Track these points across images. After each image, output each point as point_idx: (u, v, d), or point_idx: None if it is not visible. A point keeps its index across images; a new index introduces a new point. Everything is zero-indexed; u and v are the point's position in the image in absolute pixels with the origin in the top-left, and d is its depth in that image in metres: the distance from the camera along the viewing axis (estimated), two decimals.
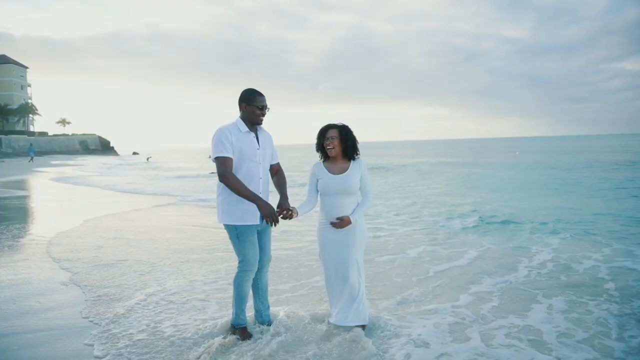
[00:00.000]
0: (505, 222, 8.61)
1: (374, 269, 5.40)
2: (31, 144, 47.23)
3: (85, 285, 4.86)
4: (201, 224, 8.72)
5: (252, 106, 3.25)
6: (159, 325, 3.73)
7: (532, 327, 3.66)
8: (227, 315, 3.73)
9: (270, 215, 3.09)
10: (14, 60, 75.73)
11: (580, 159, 31.63)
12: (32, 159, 40.71)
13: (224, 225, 3.30)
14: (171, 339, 3.42)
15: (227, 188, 3.17)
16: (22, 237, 7.50)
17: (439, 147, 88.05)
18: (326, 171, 3.43)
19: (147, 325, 3.71)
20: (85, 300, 4.38)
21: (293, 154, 57.16)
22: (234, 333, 3.40)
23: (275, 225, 3.14)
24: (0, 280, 5.04)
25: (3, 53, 76.16)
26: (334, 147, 3.35)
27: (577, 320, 3.78)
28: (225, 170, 3.11)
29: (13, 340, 3.50)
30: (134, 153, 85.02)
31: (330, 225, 3.40)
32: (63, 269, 5.53)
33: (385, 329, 3.53)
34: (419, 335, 3.43)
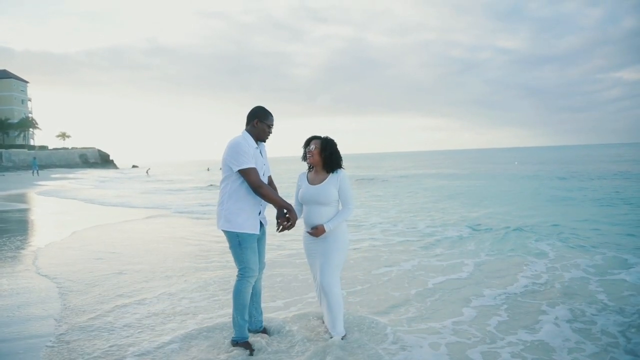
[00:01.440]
0: (500, 232, 8.52)
1: (370, 282, 5.30)
2: (34, 158, 47.10)
3: (63, 298, 4.79)
4: (195, 237, 8.60)
5: (263, 123, 3.38)
6: (120, 351, 3.46)
7: (540, 342, 3.54)
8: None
9: (294, 224, 3.35)
10: (14, 75, 76.18)
11: (578, 169, 31.62)
12: (36, 173, 40.39)
13: (226, 232, 3.34)
14: None
15: (233, 197, 3.29)
16: (18, 248, 7.33)
17: (437, 158, 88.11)
18: (306, 181, 3.60)
19: (107, 352, 3.46)
20: (54, 319, 4.23)
21: (292, 166, 57.10)
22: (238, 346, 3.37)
23: (290, 229, 3.38)
24: (3, 289, 5.12)
25: (4, 68, 76.68)
26: (312, 155, 3.49)
27: (583, 332, 3.71)
28: (259, 180, 3.26)
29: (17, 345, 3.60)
30: (134, 166, 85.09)
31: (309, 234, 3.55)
32: (50, 279, 5.47)
33: (379, 351, 3.33)
34: (418, 359, 3.24)
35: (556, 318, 4.03)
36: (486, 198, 15.43)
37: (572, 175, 24.82)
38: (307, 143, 3.55)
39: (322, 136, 3.55)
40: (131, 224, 10.72)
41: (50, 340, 3.68)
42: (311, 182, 3.55)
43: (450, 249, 7.12)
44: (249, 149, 3.27)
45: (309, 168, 3.65)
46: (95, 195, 19.77)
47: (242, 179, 3.27)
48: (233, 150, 3.25)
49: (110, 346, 3.55)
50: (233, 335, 3.42)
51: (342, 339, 3.42)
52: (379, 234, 8.57)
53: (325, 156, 3.47)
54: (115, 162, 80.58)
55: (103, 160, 76.51)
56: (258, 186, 3.24)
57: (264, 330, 3.65)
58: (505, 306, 4.39)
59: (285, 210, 3.36)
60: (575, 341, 3.54)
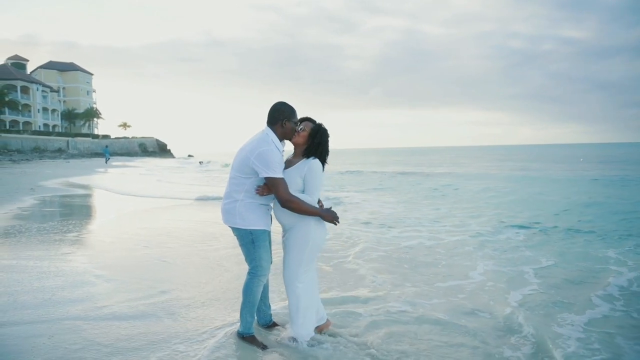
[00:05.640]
0: (557, 234, 7.86)
1: (444, 297, 4.55)
2: (106, 146, 49.25)
3: (97, 283, 4.73)
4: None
5: (291, 122, 3.20)
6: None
7: None
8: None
9: (335, 217, 3.19)
10: (80, 68, 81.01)
11: None
12: (108, 160, 42.08)
13: (237, 229, 3.24)
14: None
15: (250, 194, 3.16)
16: (65, 232, 7.50)
17: (492, 154, 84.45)
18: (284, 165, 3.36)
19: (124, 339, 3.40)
20: (85, 303, 4.20)
21: (340, 159, 56.66)
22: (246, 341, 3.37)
23: (337, 223, 3.22)
24: (46, 271, 5.17)
25: (71, 61, 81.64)
26: (299, 136, 3.22)
27: None
28: (289, 193, 3.05)
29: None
30: (189, 155, 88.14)
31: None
32: (88, 264, 5.48)
33: None
34: None
35: None
36: (542, 198, 14.36)
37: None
38: (299, 122, 3.27)
39: (318, 122, 3.28)
40: (178, 211, 10.84)
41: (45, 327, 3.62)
42: (286, 166, 3.27)
43: (509, 253, 6.47)
44: (278, 156, 3.10)
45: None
46: (148, 183, 20.44)
47: (262, 178, 3.11)
48: (262, 158, 3.04)
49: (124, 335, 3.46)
50: (239, 329, 3.41)
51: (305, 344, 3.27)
52: (425, 232, 8.14)
53: (311, 143, 3.21)
54: (172, 151, 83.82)
55: (161, 150, 79.82)
56: (287, 200, 3.04)
57: (274, 324, 3.61)
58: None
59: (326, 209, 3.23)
60: None
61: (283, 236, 3.38)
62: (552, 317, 4.03)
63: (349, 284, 4.94)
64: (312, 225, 3.22)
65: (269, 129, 3.19)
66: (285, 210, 3.16)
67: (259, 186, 3.15)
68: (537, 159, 52.20)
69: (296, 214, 3.16)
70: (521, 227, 8.65)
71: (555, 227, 8.66)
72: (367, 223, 9.13)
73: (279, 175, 3.04)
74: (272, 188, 3.06)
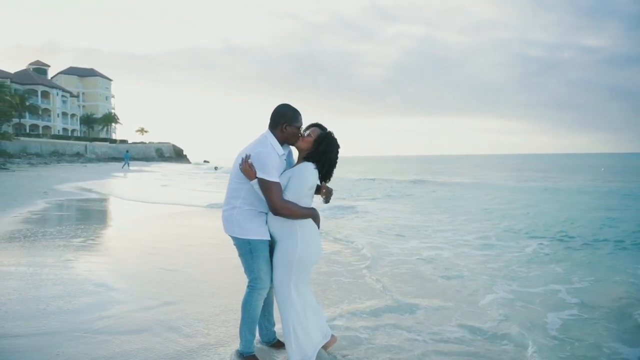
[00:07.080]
0: (584, 247, 7.42)
1: (471, 318, 4.08)
2: (127, 151, 49.16)
3: (95, 293, 4.44)
4: None
5: (293, 127, 2.99)
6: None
7: None
8: None
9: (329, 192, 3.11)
10: (100, 73, 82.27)
11: None
12: (127, 166, 40.56)
13: (235, 239, 3.03)
14: None
15: (247, 200, 2.97)
16: (71, 237, 7.26)
17: (511, 163, 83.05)
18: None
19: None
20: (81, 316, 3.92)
21: (357, 167, 56.07)
22: None
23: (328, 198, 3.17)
24: (44, 279, 4.93)
25: (91, 67, 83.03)
26: (304, 140, 2.99)
27: None
28: (282, 200, 2.83)
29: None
30: (205, 161, 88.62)
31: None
32: (90, 272, 5.21)
33: None
34: None
35: None
36: (561, 208, 13.77)
37: None
38: (307, 127, 3.07)
39: (327, 130, 3.05)
40: (189, 218, 10.60)
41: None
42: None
43: (534, 270, 5.93)
44: (275, 160, 2.87)
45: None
46: (162, 189, 20.37)
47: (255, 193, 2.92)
48: (257, 159, 2.85)
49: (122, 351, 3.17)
50: (238, 348, 3.15)
51: None
52: (444, 243, 7.74)
53: (315, 149, 2.95)
54: (188, 156, 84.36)
55: (177, 155, 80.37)
56: (280, 207, 2.81)
57: (278, 343, 3.32)
58: None
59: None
60: None
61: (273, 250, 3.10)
62: (601, 349, 3.53)
63: (372, 297, 4.61)
64: (299, 240, 2.94)
65: (269, 132, 3.02)
66: (277, 219, 2.93)
67: (244, 157, 2.88)
68: (556, 168, 51.01)
69: (285, 226, 2.94)
70: (545, 238, 8.19)
71: (580, 238, 8.22)
72: (382, 232, 8.78)
73: (273, 179, 2.81)
74: (264, 191, 2.83)
